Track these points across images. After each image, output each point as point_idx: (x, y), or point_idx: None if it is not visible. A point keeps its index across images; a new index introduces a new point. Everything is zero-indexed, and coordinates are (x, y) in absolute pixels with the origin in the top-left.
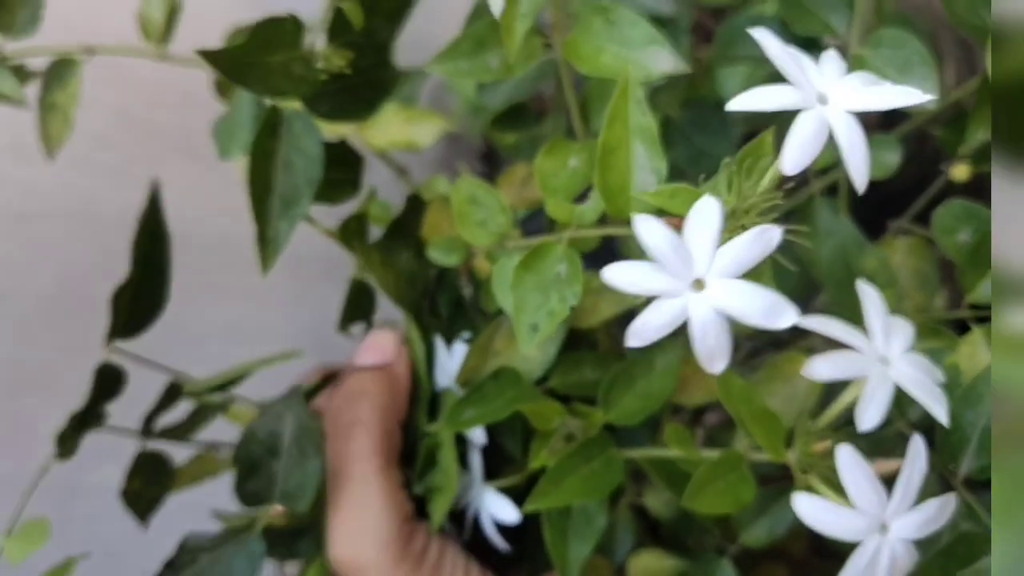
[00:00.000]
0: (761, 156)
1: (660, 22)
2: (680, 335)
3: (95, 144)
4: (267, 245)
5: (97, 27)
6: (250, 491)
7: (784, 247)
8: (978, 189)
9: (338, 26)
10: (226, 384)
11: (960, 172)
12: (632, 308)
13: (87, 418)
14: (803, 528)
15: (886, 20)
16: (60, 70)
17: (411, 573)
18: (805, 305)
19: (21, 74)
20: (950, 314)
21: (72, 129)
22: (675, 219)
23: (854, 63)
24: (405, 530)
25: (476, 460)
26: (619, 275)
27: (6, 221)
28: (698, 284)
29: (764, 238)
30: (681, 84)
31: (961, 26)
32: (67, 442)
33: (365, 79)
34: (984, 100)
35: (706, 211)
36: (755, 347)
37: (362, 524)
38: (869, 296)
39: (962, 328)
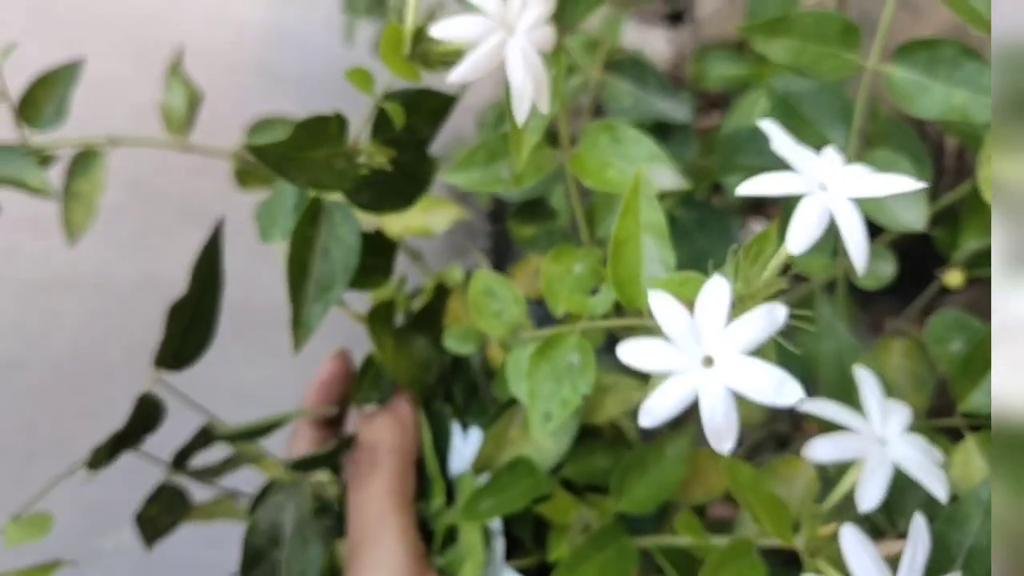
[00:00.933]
0: (767, 245)
1: (671, 127)
2: (688, 423)
3: (109, 214)
4: (300, 327)
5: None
6: None
7: (788, 336)
8: (974, 296)
9: (381, 124)
10: (257, 433)
11: (954, 278)
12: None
13: (123, 441)
14: None
15: (881, 125)
16: (85, 160)
17: None
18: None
19: (44, 161)
20: (943, 422)
21: (96, 216)
22: None
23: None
24: (418, 567)
25: (498, 545)
26: (634, 352)
27: (23, 291)
28: (708, 361)
29: (771, 316)
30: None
31: (955, 134)
32: (100, 458)
33: (404, 173)
34: (976, 208)
35: (716, 290)
36: (756, 442)
37: (378, 559)
38: (865, 379)
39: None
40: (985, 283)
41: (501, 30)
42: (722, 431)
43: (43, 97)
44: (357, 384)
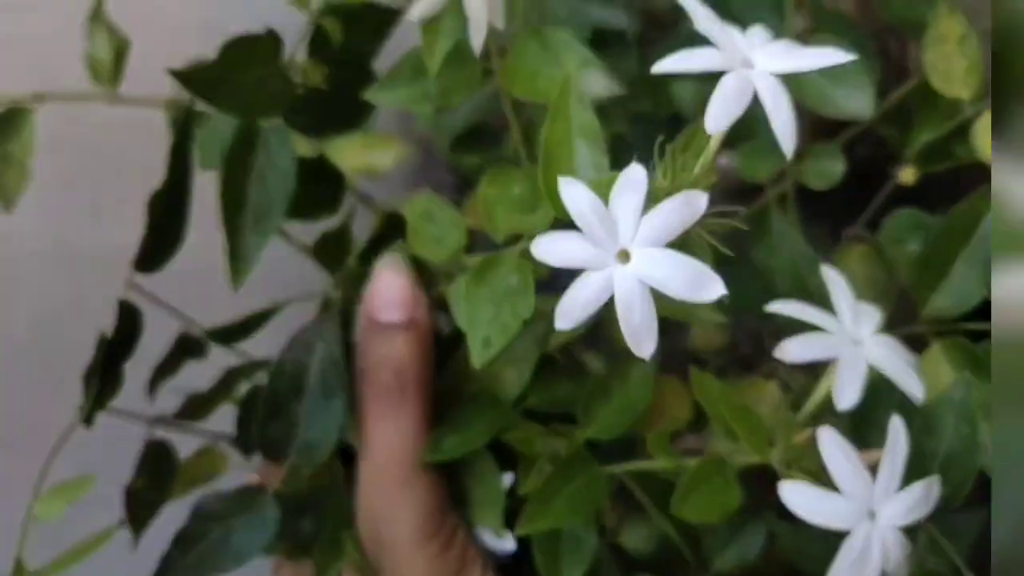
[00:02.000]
0: (697, 138)
1: (609, 36)
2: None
3: (61, 185)
4: (238, 260)
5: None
6: (271, 438)
7: (742, 256)
8: (927, 192)
9: (318, 42)
10: (246, 330)
11: (908, 175)
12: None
13: (113, 358)
14: (777, 554)
15: (824, 21)
16: (10, 119)
17: (438, 555)
18: (766, 319)
19: None
20: (906, 330)
21: (29, 179)
22: None
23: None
24: (441, 510)
25: None
26: (545, 247)
27: None
28: (624, 256)
29: (690, 204)
30: (629, 100)
31: (898, 23)
32: (94, 371)
33: (346, 94)
34: (926, 101)
35: (631, 179)
36: (719, 367)
37: (400, 502)
38: (834, 281)
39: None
40: (939, 178)
41: None
42: (640, 332)
43: None
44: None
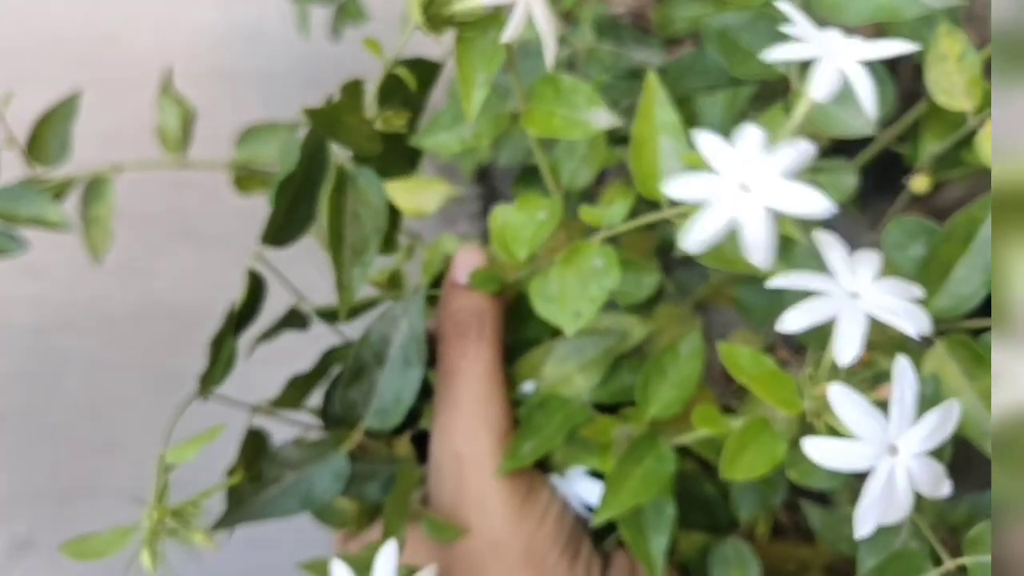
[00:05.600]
0: (791, 104)
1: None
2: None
3: None
4: (343, 290)
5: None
6: (350, 399)
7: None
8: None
9: (389, 90)
10: (351, 313)
11: (920, 184)
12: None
13: (240, 322)
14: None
15: None
16: (96, 188)
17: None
18: None
19: (58, 195)
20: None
21: (112, 238)
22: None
23: (794, 99)
24: (512, 432)
25: None
26: (679, 185)
27: (26, 336)
28: (744, 188)
29: (799, 148)
30: None
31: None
32: (222, 340)
33: (404, 141)
34: (933, 115)
35: (751, 132)
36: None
37: (480, 418)
38: (826, 241)
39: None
40: (951, 186)
41: None
42: (763, 247)
43: (47, 134)
44: None
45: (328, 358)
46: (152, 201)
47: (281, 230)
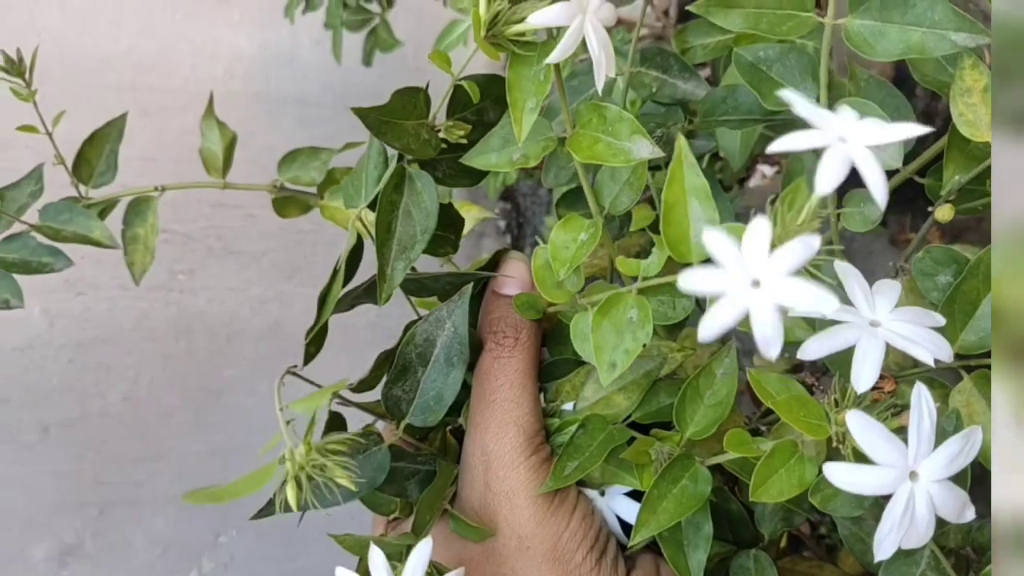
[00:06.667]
0: (798, 195)
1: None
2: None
3: None
4: (384, 281)
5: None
6: (395, 395)
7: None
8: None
9: (456, 102)
10: (428, 289)
11: (944, 213)
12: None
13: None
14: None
15: (859, 82)
16: (138, 207)
17: (537, 467)
18: None
19: (103, 214)
20: (939, 364)
21: (153, 256)
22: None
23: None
24: (541, 435)
25: None
26: (693, 278)
27: (70, 352)
28: (755, 283)
29: (807, 244)
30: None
31: (930, 85)
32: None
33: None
34: (955, 146)
35: (759, 227)
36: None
37: (511, 418)
38: (846, 271)
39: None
40: (973, 217)
41: (579, 12)
42: (771, 339)
43: (93, 155)
44: None
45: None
46: (191, 220)
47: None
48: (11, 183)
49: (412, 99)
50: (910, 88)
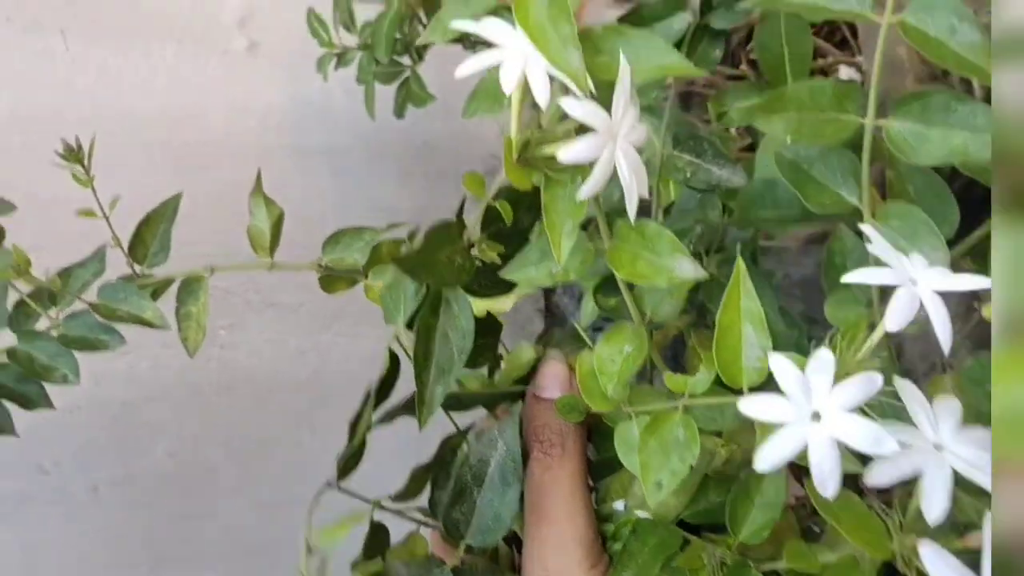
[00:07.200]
0: (858, 330)
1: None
2: None
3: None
4: (424, 406)
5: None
6: (453, 519)
7: None
8: None
9: (489, 219)
10: (471, 402)
11: (990, 310)
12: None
13: (379, 396)
14: None
15: (901, 173)
16: (190, 286)
17: None
18: None
19: (156, 293)
20: None
21: (205, 332)
22: None
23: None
24: (598, 547)
25: None
26: (756, 406)
27: (117, 411)
28: (816, 416)
29: (869, 382)
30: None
31: (973, 173)
32: (363, 419)
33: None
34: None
35: (823, 359)
36: None
37: (569, 532)
38: (905, 388)
39: None
40: None
41: (610, 140)
42: (827, 477)
43: (148, 236)
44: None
45: (445, 447)
46: (230, 274)
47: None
48: (77, 262)
49: (446, 233)
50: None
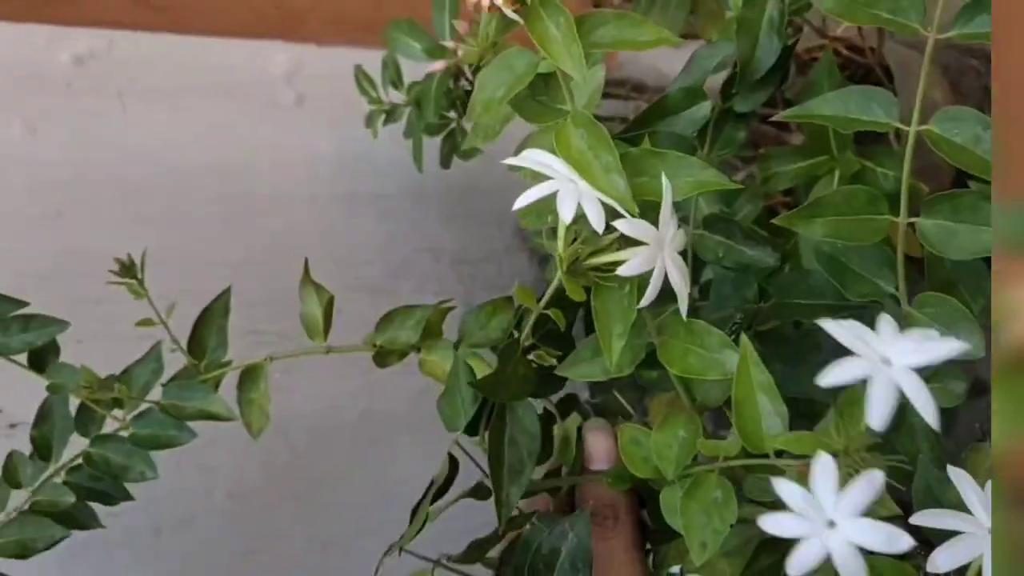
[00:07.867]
0: (857, 402)
1: None
2: None
3: None
4: (501, 506)
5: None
6: None
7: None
8: None
9: (540, 324)
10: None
11: None
12: None
13: (438, 495)
14: None
15: (934, 257)
16: (251, 374)
17: None
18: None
19: (217, 385)
20: None
21: (269, 419)
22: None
23: (906, 320)
24: None
25: None
26: (775, 524)
27: (178, 455)
28: (831, 524)
29: (872, 482)
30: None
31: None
32: (421, 517)
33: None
34: None
35: (825, 466)
36: None
37: None
38: (959, 477)
39: None
40: None
41: (659, 251)
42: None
43: (206, 333)
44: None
45: (507, 527)
46: (283, 318)
47: (473, 423)
48: (134, 362)
49: (512, 353)
50: None
